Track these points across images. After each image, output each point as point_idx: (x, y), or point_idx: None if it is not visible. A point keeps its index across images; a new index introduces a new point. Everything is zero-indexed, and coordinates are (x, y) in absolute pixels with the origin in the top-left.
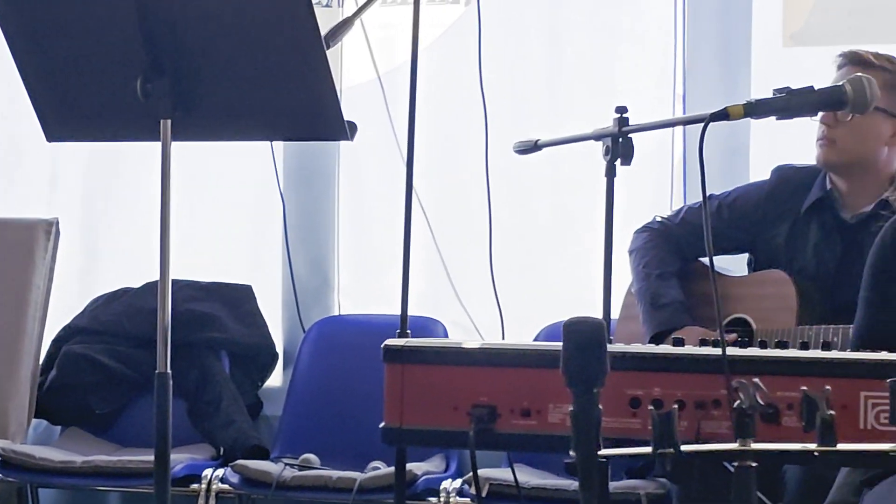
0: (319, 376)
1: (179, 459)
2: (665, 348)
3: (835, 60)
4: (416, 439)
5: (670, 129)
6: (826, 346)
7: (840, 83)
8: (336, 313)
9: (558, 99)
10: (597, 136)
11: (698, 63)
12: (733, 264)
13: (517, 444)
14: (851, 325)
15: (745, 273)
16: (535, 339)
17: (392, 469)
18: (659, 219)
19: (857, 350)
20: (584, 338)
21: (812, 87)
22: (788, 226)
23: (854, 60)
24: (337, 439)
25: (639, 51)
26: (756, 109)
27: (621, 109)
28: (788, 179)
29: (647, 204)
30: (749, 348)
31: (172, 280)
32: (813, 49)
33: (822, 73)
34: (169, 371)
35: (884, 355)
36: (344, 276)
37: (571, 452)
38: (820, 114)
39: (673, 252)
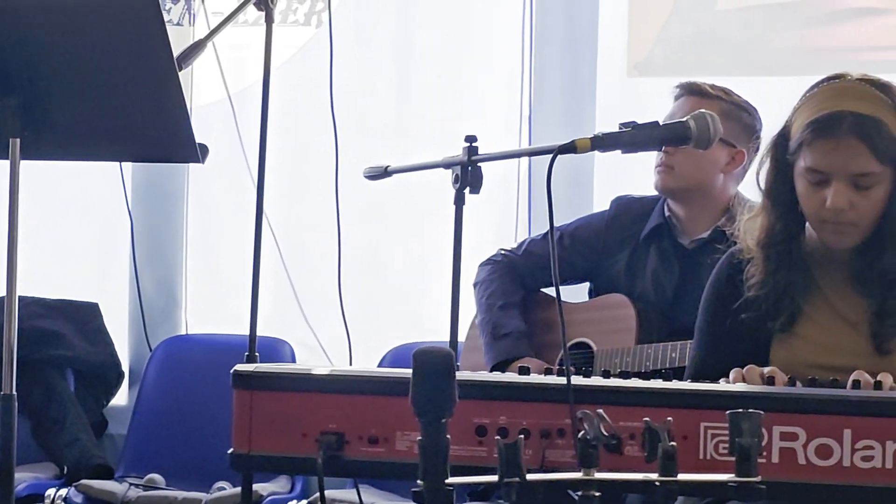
0: (165, 395)
1: (23, 478)
2: (511, 377)
3: (672, 91)
4: (264, 465)
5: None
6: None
7: (684, 119)
8: (183, 332)
9: (409, 125)
10: (446, 164)
11: (545, 90)
12: (575, 294)
13: (365, 471)
14: (690, 341)
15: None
16: (382, 361)
17: (238, 490)
18: (503, 251)
19: (693, 379)
20: (432, 368)
21: (657, 122)
22: (628, 253)
23: (691, 91)
24: (182, 459)
25: (487, 78)
26: (603, 143)
27: (471, 138)
28: (628, 208)
29: (492, 232)
30: (594, 378)
31: (18, 297)
32: (657, 79)
33: (665, 103)
34: (14, 393)
35: (724, 387)
36: (191, 296)
37: (419, 481)
38: None
39: (516, 283)
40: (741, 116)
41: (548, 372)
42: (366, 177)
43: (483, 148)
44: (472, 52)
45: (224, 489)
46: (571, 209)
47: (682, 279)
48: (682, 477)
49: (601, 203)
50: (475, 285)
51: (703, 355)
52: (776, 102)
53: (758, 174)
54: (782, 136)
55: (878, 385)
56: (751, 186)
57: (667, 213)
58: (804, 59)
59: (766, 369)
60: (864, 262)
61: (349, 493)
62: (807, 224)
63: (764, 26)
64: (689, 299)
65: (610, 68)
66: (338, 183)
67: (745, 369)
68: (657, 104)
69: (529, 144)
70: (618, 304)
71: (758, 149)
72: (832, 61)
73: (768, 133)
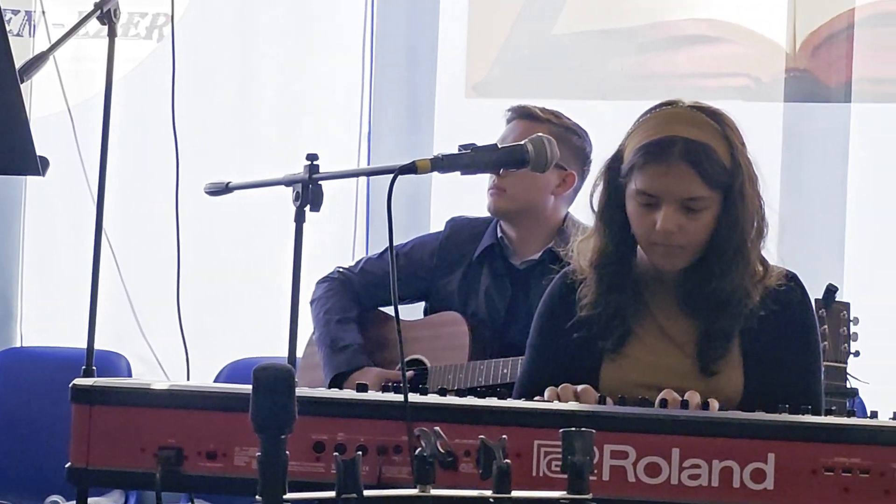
0: None
1: None
2: (349, 394)
3: (504, 114)
4: (103, 480)
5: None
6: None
7: (522, 142)
8: (18, 345)
9: (250, 141)
10: (287, 182)
11: (384, 109)
12: (410, 312)
13: (203, 486)
14: (521, 357)
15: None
16: (219, 376)
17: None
18: (340, 270)
19: (522, 394)
20: (273, 383)
21: (496, 144)
22: (462, 272)
23: (522, 114)
24: (15, 471)
25: (327, 96)
26: (442, 164)
27: (312, 157)
28: (462, 229)
29: (331, 249)
30: (430, 395)
31: None
32: (495, 100)
33: (503, 124)
34: None
35: (557, 405)
36: (27, 308)
37: (257, 497)
38: None
39: (353, 300)
40: (571, 139)
41: (385, 389)
42: (206, 192)
43: (323, 166)
44: (314, 70)
45: (57, 502)
46: (408, 228)
47: (514, 298)
48: (515, 494)
49: (438, 223)
50: (312, 302)
51: (532, 371)
52: (611, 126)
53: (591, 196)
54: (615, 160)
55: (705, 406)
56: (581, 208)
57: (499, 234)
58: (638, 84)
59: (580, 387)
60: (691, 285)
61: None
62: (638, 246)
63: (600, 51)
64: (521, 318)
65: (449, 89)
66: (178, 198)
67: (559, 387)
68: (495, 125)
69: (368, 163)
70: (451, 321)
71: (588, 171)
72: (665, 87)
73: (602, 156)
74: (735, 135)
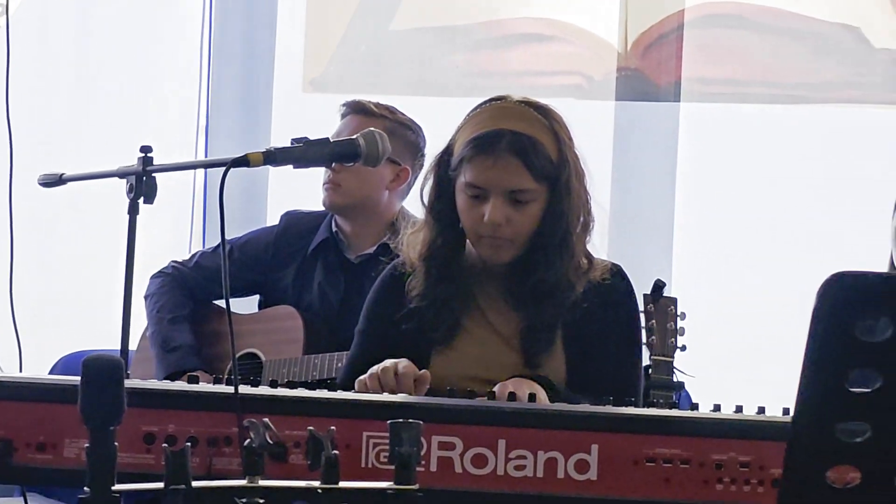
0: None
1: None
2: (180, 385)
3: (339, 109)
4: None
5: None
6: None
7: (354, 137)
8: None
9: (86, 132)
10: (121, 174)
11: (222, 103)
12: (246, 306)
13: (33, 477)
14: (334, 353)
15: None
16: (53, 369)
17: None
18: (174, 264)
19: (348, 378)
20: (101, 375)
21: (328, 138)
22: (296, 266)
23: (356, 109)
24: None
25: (165, 89)
26: (275, 157)
27: (146, 149)
28: (296, 223)
29: (167, 242)
30: (261, 387)
31: None
32: (332, 95)
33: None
34: None
35: (386, 397)
36: None
37: (86, 488)
38: None
39: (186, 296)
40: (405, 134)
41: (217, 381)
42: (40, 184)
43: (161, 159)
44: (151, 63)
45: None
46: (245, 222)
47: (348, 292)
48: (343, 484)
49: (275, 217)
50: (146, 297)
51: (360, 356)
52: (446, 123)
53: (422, 190)
54: (445, 154)
55: (532, 397)
56: (415, 202)
57: (334, 229)
58: (473, 81)
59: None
60: (517, 278)
61: (16, 502)
62: (467, 240)
63: (436, 48)
64: (355, 311)
65: (286, 83)
66: (12, 188)
67: (378, 367)
68: (332, 120)
69: (206, 157)
70: (286, 315)
71: (422, 166)
72: (500, 84)
73: (437, 152)
74: (563, 129)
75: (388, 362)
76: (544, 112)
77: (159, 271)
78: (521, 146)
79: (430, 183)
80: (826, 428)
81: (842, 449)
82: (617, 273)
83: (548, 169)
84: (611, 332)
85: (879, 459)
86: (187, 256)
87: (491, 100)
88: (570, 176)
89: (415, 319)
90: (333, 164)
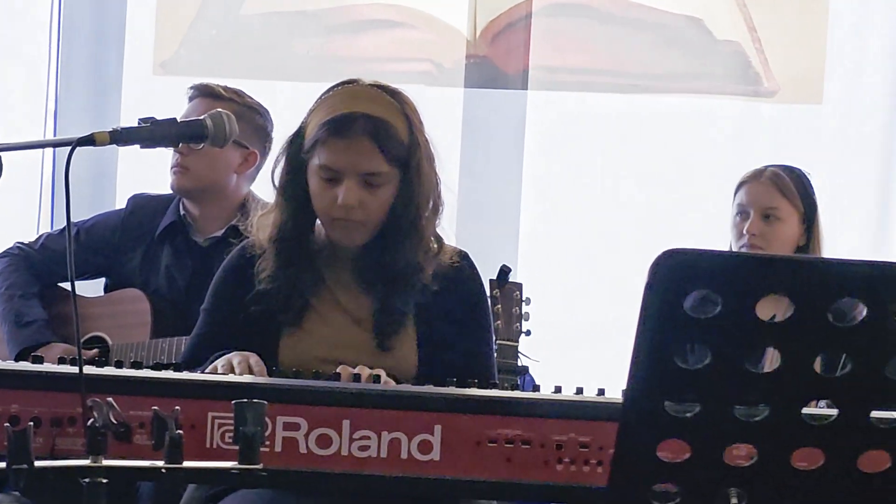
0: None
1: None
2: (24, 366)
3: (187, 92)
4: None
5: (41, 150)
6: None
7: (201, 117)
8: None
9: None
10: None
11: (71, 85)
12: (93, 289)
13: None
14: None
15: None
16: None
17: None
18: (19, 245)
19: (190, 356)
20: None
21: (175, 119)
22: (143, 249)
23: (204, 92)
24: None
25: (12, 71)
26: (121, 137)
27: None
28: (144, 206)
29: (14, 224)
30: (106, 367)
31: None
32: (182, 78)
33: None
34: None
35: (231, 378)
36: None
37: None
38: None
39: (34, 276)
40: (254, 118)
41: (61, 361)
42: None
43: (6, 139)
44: None
45: None
46: (94, 205)
47: (195, 275)
48: (187, 464)
49: (124, 200)
50: None
51: (205, 335)
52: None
53: (273, 172)
54: (297, 136)
55: (376, 378)
56: (264, 185)
57: (182, 212)
58: (323, 66)
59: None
60: (367, 260)
61: None
62: (317, 222)
63: (287, 32)
64: (203, 295)
65: (136, 66)
66: None
67: (231, 361)
68: (182, 103)
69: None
70: (133, 298)
71: (269, 150)
72: (350, 70)
73: (286, 136)
74: (413, 113)
75: (237, 357)
76: (395, 95)
77: (5, 252)
78: (374, 129)
79: (281, 165)
80: (657, 403)
81: (672, 423)
82: (464, 257)
83: (400, 152)
84: (462, 316)
85: (709, 434)
86: (33, 238)
87: (343, 83)
88: (420, 159)
89: (263, 301)
90: (181, 147)
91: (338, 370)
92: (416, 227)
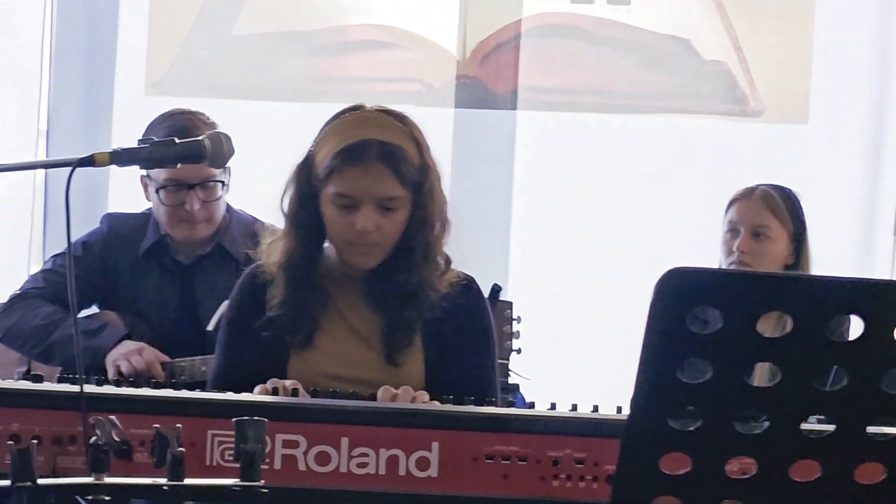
0: None
1: None
2: (24, 385)
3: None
4: None
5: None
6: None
7: (200, 138)
8: None
9: None
10: None
11: (63, 105)
12: None
13: None
14: (197, 357)
15: None
16: None
17: None
18: (20, 291)
19: (213, 390)
20: None
21: (173, 139)
22: (128, 269)
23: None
24: None
25: (4, 87)
26: (121, 158)
27: None
28: (121, 225)
29: (6, 244)
30: (105, 386)
31: None
32: (174, 98)
33: None
34: None
35: (231, 396)
36: None
37: None
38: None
39: (60, 303)
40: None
41: (61, 380)
42: None
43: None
44: None
45: None
46: (87, 224)
47: (184, 292)
48: (188, 481)
49: None
50: (8, 329)
51: (222, 368)
52: (287, 127)
53: (282, 200)
54: (306, 164)
55: (373, 397)
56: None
57: (163, 232)
58: (314, 86)
59: (289, 382)
60: (377, 281)
61: None
62: (325, 245)
63: (277, 53)
64: (192, 313)
65: (128, 86)
66: None
67: (269, 382)
68: None
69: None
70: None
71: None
72: (340, 90)
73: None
74: (421, 136)
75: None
76: (403, 120)
77: (14, 297)
78: (388, 155)
79: (290, 193)
80: (660, 417)
81: (674, 437)
82: (467, 277)
83: (413, 175)
84: (468, 334)
85: (710, 447)
86: (27, 283)
87: (347, 110)
88: (433, 181)
89: (274, 327)
90: (197, 195)
91: (379, 393)
92: (428, 247)
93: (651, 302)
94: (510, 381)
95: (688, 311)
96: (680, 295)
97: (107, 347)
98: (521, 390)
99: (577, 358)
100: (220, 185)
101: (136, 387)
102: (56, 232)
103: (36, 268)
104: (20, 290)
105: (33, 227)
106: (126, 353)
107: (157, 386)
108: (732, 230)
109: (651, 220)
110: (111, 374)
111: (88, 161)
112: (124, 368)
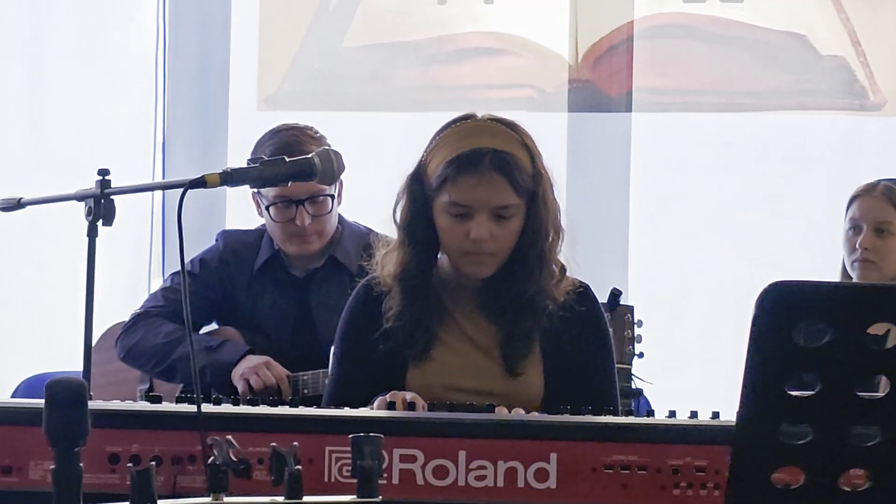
0: None
1: None
2: (143, 406)
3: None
4: None
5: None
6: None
7: (310, 155)
8: None
9: (42, 155)
10: (79, 197)
11: (178, 122)
12: None
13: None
14: (321, 370)
15: None
16: (16, 392)
17: None
18: (141, 310)
19: (331, 405)
20: (65, 397)
21: (283, 157)
22: (245, 285)
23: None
24: None
25: (120, 109)
26: (231, 178)
27: (103, 172)
28: (236, 241)
29: (127, 263)
30: (223, 405)
31: None
32: (287, 113)
33: None
34: None
35: (347, 412)
36: None
37: None
38: None
39: (178, 321)
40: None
41: (179, 399)
42: None
43: (117, 180)
44: (106, 83)
45: None
46: (204, 242)
47: (300, 306)
48: (307, 499)
49: None
50: (131, 348)
51: (339, 382)
52: (399, 138)
53: (395, 211)
54: (418, 174)
55: (490, 408)
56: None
57: (276, 247)
58: (425, 96)
59: (409, 395)
60: (493, 290)
61: None
62: (439, 256)
63: (388, 63)
64: (308, 327)
65: (241, 101)
66: None
67: (388, 394)
68: None
69: (164, 175)
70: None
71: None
72: (452, 99)
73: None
74: (533, 144)
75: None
76: (514, 128)
77: (134, 316)
78: (502, 163)
79: (402, 203)
80: (769, 431)
81: (785, 451)
82: (583, 284)
83: (527, 183)
84: (587, 342)
85: (822, 460)
86: (146, 303)
87: (459, 119)
88: (546, 188)
89: (391, 339)
90: (306, 213)
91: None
92: (543, 255)
93: (753, 316)
94: (633, 385)
95: (793, 326)
96: (782, 309)
97: (231, 363)
98: (645, 395)
99: (699, 361)
100: (329, 199)
101: (254, 405)
102: (174, 249)
103: (157, 285)
104: (141, 308)
105: (153, 244)
106: (254, 367)
107: (273, 403)
108: (855, 227)
109: (771, 219)
110: (241, 388)
111: (200, 182)
112: (254, 383)
